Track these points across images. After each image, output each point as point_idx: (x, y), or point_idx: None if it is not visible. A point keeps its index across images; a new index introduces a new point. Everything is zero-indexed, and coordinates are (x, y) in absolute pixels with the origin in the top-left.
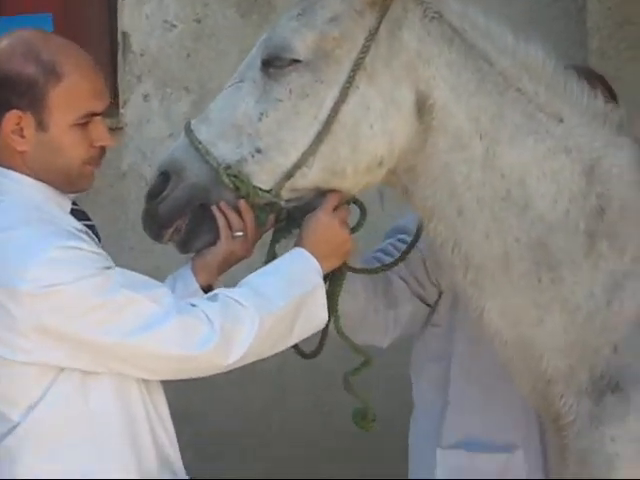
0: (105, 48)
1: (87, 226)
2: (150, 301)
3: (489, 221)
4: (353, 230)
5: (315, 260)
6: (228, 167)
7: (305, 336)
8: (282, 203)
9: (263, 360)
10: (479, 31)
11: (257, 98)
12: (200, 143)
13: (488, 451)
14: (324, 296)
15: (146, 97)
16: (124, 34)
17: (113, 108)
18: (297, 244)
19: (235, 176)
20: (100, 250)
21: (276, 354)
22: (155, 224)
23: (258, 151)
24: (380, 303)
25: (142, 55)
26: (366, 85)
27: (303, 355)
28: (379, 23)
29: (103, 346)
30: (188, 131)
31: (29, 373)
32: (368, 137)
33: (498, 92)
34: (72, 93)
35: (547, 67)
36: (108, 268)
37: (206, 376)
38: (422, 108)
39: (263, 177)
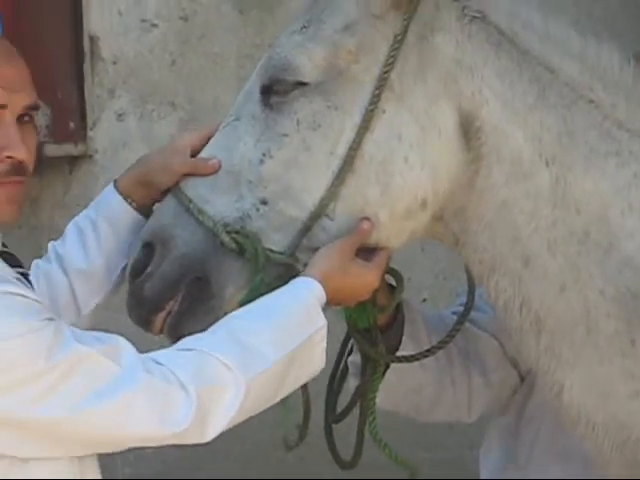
0: (68, 55)
1: (22, 274)
2: (107, 358)
3: (564, 271)
4: (385, 308)
5: (322, 291)
6: (227, 225)
7: (295, 388)
8: (299, 267)
9: None
10: (535, 33)
11: (258, 137)
12: (190, 202)
13: None
14: (324, 339)
15: (121, 116)
16: (92, 37)
17: (79, 130)
18: (306, 272)
19: (237, 232)
20: (42, 300)
21: None
22: (142, 308)
23: (263, 202)
24: (460, 370)
25: (115, 63)
26: (395, 107)
27: (342, 465)
28: (406, 27)
29: (48, 425)
30: (174, 189)
31: None
32: (403, 173)
33: (564, 105)
34: None
35: (626, 73)
36: (52, 319)
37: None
38: (468, 131)
39: (273, 235)
